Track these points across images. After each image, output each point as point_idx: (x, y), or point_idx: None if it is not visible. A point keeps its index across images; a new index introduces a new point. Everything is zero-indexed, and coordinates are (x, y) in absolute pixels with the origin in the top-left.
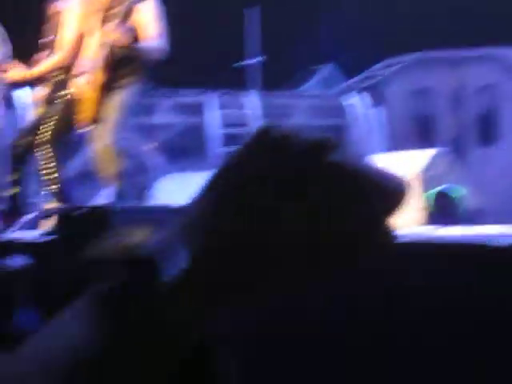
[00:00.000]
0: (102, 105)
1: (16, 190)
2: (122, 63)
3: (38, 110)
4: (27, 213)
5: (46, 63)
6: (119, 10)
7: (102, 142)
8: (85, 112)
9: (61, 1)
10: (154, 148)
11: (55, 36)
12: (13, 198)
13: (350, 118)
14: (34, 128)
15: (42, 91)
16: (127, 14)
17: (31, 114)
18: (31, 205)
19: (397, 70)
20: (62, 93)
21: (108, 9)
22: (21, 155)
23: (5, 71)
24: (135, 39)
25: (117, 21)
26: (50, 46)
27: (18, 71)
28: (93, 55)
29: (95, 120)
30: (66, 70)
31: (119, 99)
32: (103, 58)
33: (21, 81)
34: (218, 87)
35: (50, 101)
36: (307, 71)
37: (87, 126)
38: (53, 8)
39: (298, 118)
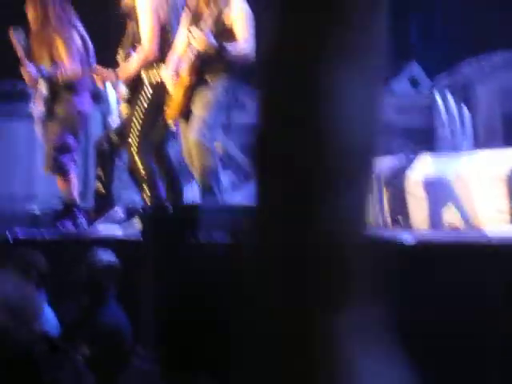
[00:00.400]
0: (191, 101)
1: (102, 186)
2: (211, 62)
3: (125, 106)
4: (113, 209)
5: (131, 62)
6: (208, 10)
7: (190, 139)
8: (173, 108)
9: None
10: (239, 147)
11: (133, 33)
12: (99, 194)
13: (437, 117)
14: (121, 125)
15: (128, 88)
16: (217, 16)
17: (118, 111)
18: (118, 201)
19: (484, 69)
20: (149, 90)
21: (197, 9)
22: (107, 151)
23: (97, 75)
24: (223, 45)
25: (206, 21)
26: (128, 44)
27: (108, 74)
28: (181, 52)
29: (183, 116)
30: (152, 66)
31: (207, 97)
32: (192, 56)
33: (112, 82)
34: None
35: (136, 97)
36: (394, 69)
37: (175, 121)
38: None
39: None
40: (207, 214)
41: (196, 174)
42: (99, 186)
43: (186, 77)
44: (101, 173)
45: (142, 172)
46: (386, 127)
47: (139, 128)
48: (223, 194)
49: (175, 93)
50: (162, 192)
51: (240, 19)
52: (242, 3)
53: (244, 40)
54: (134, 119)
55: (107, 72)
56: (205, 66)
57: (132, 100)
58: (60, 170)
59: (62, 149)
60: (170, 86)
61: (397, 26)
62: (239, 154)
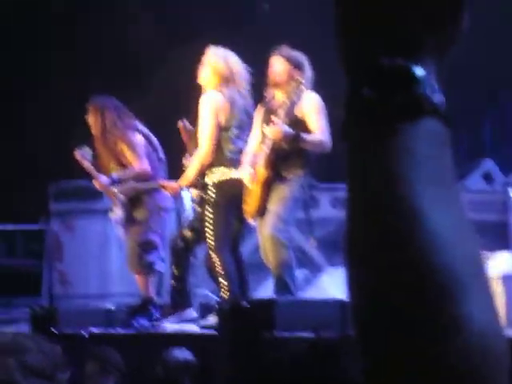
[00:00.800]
0: (266, 197)
1: (177, 284)
2: (286, 157)
3: (199, 205)
4: (190, 305)
5: (189, 169)
6: (282, 104)
7: (265, 233)
8: (251, 204)
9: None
10: (312, 242)
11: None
12: (174, 292)
13: (511, 213)
14: (195, 222)
15: (197, 189)
16: (289, 108)
17: (193, 209)
18: (194, 297)
19: None
20: (213, 190)
21: (270, 105)
22: (182, 250)
23: (164, 189)
24: (299, 133)
25: (280, 115)
26: (193, 146)
27: (172, 187)
28: (256, 149)
29: (261, 212)
30: (212, 167)
31: (283, 191)
32: (267, 151)
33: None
34: None
35: (204, 197)
36: (468, 165)
37: (252, 218)
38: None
39: None
40: (283, 309)
41: (271, 268)
42: (174, 284)
43: (262, 172)
44: (176, 271)
45: (219, 268)
46: None
47: (211, 227)
48: (298, 288)
49: (252, 189)
50: (237, 287)
51: (313, 111)
52: (314, 96)
53: (319, 130)
54: (206, 218)
55: (170, 185)
56: (280, 161)
57: (201, 199)
58: (146, 268)
59: (147, 247)
60: (247, 183)
61: (471, 124)
62: (313, 249)
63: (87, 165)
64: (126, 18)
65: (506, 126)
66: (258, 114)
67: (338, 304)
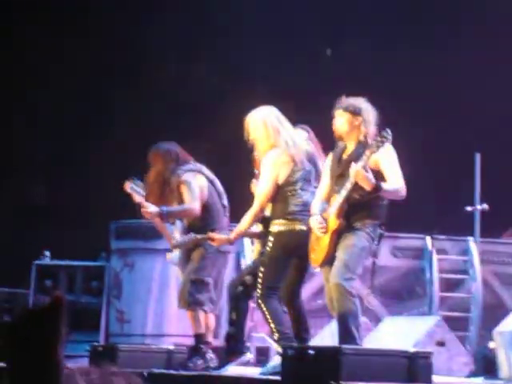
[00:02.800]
0: (335, 246)
1: (235, 330)
2: (358, 206)
3: (257, 252)
4: (245, 351)
5: (243, 220)
6: (357, 154)
7: (332, 282)
8: (319, 253)
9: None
10: (372, 290)
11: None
12: (231, 335)
13: None
14: (254, 265)
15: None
16: (366, 159)
17: (251, 256)
18: (250, 341)
19: None
20: (271, 238)
21: (341, 153)
22: (241, 295)
23: (212, 240)
24: (379, 182)
25: (357, 166)
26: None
27: (223, 240)
28: (325, 197)
29: (329, 260)
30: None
31: (351, 241)
32: (340, 202)
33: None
34: (438, 231)
35: (262, 244)
36: None
37: (320, 266)
38: None
39: None
40: (349, 358)
41: (336, 316)
42: (231, 329)
43: (333, 221)
44: (233, 316)
45: (268, 316)
46: None
47: (261, 275)
48: (361, 338)
49: (322, 238)
50: (291, 333)
51: (388, 160)
52: (389, 148)
53: (395, 179)
54: (261, 266)
55: (219, 238)
56: (352, 210)
57: (260, 245)
58: (195, 305)
59: (199, 285)
60: (316, 232)
61: None
62: (372, 298)
63: (137, 196)
64: (189, 67)
65: None
66: (328, 164)
67: (404, 354)
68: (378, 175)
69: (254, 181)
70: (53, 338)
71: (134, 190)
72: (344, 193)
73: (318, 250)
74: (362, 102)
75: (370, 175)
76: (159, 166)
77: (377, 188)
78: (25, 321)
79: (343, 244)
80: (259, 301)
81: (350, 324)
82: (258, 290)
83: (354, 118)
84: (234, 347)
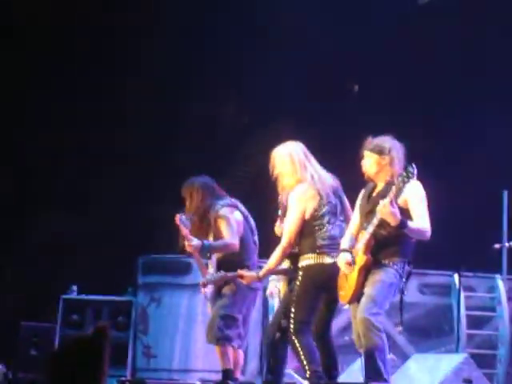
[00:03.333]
0: (363, 282)
1: (273, 374)
2: (385, 243)
3: (283, 291)
4: None
5: (272, 258)
6: (386, 190)
7: (359, 317)
8: (348, 289)
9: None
10: (400, 327)
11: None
12: (267, 382)
13: None
14: (284, 307)
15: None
16: (396, 195)
17: (278, 289)
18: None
19: None
20: (300, 273)
21: (372, 192)
22: (279, 339)
23: (242, 277)
24: (405, 219)
25: (384, 201)
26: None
27: (251, 277)
28: (355, 233)
29: (355, 297)
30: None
31: (379, 276)
32: (367, 238)
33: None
34: (465, 269)
35: (292, 280)
36: None
37: (348, 303)
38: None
39: None
40: None
41: (363, 352)
42: (270, 378)
43: (361, 257)
44: (272, 362)
45: (300, 352)
46: None
47: (293, 310)
48: (389, 374)
49: (350, 274)
50: (321, 371)
51: (416, 199)
52: (417, 184)
53: (421, 218)
54: (292, 301)
55: (249, 275)
56: (379, 246)
57: (290, 282)
58: (223, 340)
59: (228, 321)
60: (343, 268)
61: None
62: (400, 335)
63: (184, 230)
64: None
65: None
66: (359, 201)
67: None
68: (407, 214)
69: (277, 223)
70: (97, 368)
71: (183, 222)
72: (371, 228)
73: (346, 287)
74: (387, 141)
75: (396, 211)
76: (197, 200)
77: (402, 224)
78: (69, 351)
79: (371, 280)
80: (292, 337)
81: (377, 359)
82: (291, 325)
83: (381, 158)
84: None
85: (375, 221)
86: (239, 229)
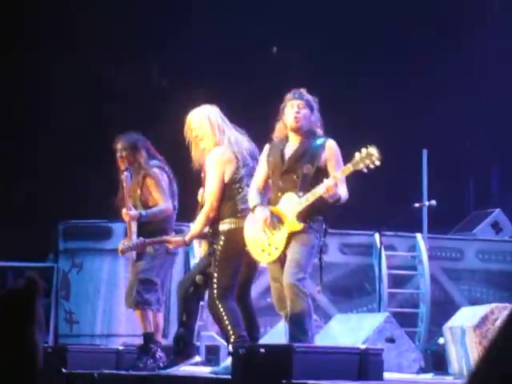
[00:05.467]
0: (283, 245)
1: (185, 331)
2: (312, 207)
3: (206, 246)
4: (194, 353)
5: (196, 223)
6: (306, 152)
7: (285, 282)
8: (273, 253)
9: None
10: (320, 287)
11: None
12: (181, 336)
13: None
14: (203, 265)
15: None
16: (316, 159)
17: (198, 254)
18: (200, 340)
19: None
20: (222, 237)
21: (281, 143)
22: (192, 296)
23: (168, 242)
24: (340, 195)
25: (330, 182)
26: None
27: (177, 241)
28: (261, 188)
29: (281, 259)
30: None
31: (304, 240)
32: (304, 207)
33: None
34: (386, 228)
35: (214, 244)
36: (477, 215)
37: (270, 262)
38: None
39: (467, 261)
40: (301, 356)
41: (288, 315)
42: (181, 331)
43: (295, 222)
44: (184, 318)
45: (224, 317)
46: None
47: (216, 275)
48: (314, 336)
49: (275, 235)
50: (247, 335)
51: (335, 161)
52: (333, 144)
53: (341, 183)
54: (213, 266)
55: (175, 240)
56: (311, 212)
57: (213, 248)
58: (143, 304)
59: (147, 285)
60: (262, 225)
61: (479, 173)
62: (321, 295)
63: (126, 189)
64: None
65: None
66: (265, 155)
67: (355, 351)
68: (326, 174)
69: (200, 191)
70: (28, 320)
71: (128, 181)
72: (311, 198)
73: (267, 246)
74: (315, 101)
75: (338, 192)
76: (133, 154)
77: (337, 201)
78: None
79: (294, 242)
80: (216, 302)
81: (305, 323)
82: (214, 291)
83: (311, 115)
84: (182, 349)
85: (318, 192)
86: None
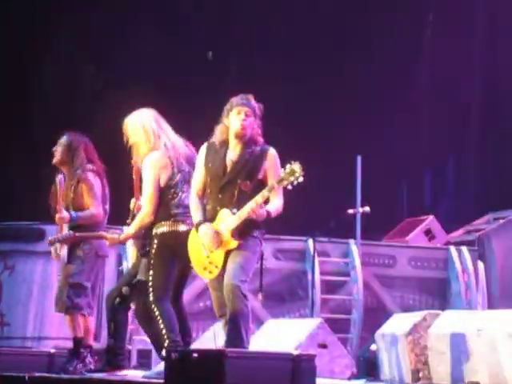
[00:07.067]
0: (222, 262)
1: (113, 339)
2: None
3: (134, 251)
4: (124, 366)
5: (131, 226)
6: (247, 162)
7: (227, 283)
8: (209, 267)
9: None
10: (260, 293)
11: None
12: (110, 347)
13: (452, 272)
14: (131, 275)
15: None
16: (256, 170)
17: (128, 264)
18: (132, 344)
19: (500, 225)
20: (155, 241)
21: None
22: (119, 306)
23: (104, 238)
24: (270, 212)
25: (254, 205)
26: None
27: (113, 239)
28: (200, 194)
29: (220, 275)
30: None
31: (244, 247)
32: (237, 224)
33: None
34: (320, 234)
35: (148, 248)
36: (411, 222)
37: (211, 279)
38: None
39: (400, 268)
40: (234, 361)
41: (225, 318)
42: (111, 342)
43: (230, 240)
44: (113, 328)
45: (159, 321)
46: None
47: (150, 278)
48: (250, 340)
49: (214, 252)
50: (181, 341)
51: (273, 173)
52: (273, 153)
53: (278, 196)
54: (147, 270)
55: (111, 237)
56: (245, 226)
57: (145, 251)
58: (73, 309)
59: (77, 289)
60: (208, 244)
61: (412, 179)
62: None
63: (60, 194)
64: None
65: (446, 182)
66: (202, 157)
67: (287, 357)
68: (262, 186)
69: (133, 199)
70: None
71: (61, 184)
72: (242, 216)
73: (206, 263)
74: (260, 108)
75: (264, 211)
76: (71, 155)
77: (268, 216)
78: None
79: (235, 251)
80: (152, 305)
81: (241, 326)
82: (150, 294)
83: (255, 122)
84: (112, 360)
85: (245, 212)
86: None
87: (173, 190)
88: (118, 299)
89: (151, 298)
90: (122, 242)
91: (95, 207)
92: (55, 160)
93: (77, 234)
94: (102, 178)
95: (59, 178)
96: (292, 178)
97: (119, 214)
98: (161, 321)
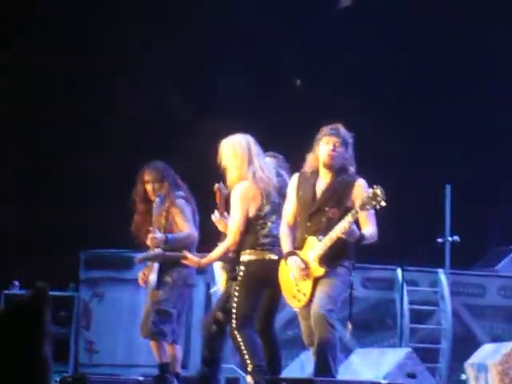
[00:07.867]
0: (310, 291)
1: (209, 366)
2: (336, 247)
3: (225, 285)
4: None
5: (215, 251)
6: (337, 191)
7: (314, 312)
8: (296, 295)
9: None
10: (349, 322)
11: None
12: (205, 374)
13: None
14: (224, 300)
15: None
16: (355, 215)
17: (220, 290)
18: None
19: None
20: (241, 268)
21: (311, 177)
22: (215, 333)
23: (186, 258)
24: (363, 235)
25: (344, 224)
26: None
27: (194, 262)
28: (292, 224)
29: (309, 304)
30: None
31: (333, 276)
32: (323, 250)
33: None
34: (408, 263)
35: (235, 275)
36: (500, 251)
37: (301, 308)
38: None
39: (489, 297)
40: None
41: (314, 347)
42: (206, 370)
43: (317, 268)
44: (209, 356)
45: (242, 347)
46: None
47: (235, 305)
48: (337, 371)
49: (303, 281)
50: (264, 366)
51: (359, 197)
52: (363, 183)
53: (371, 224)
54: (233, 296)
55: (193, 259)
56: (333, 252)
57: (233, 278)
58: (157, 335)
59: (163, 316)
60: (296, 274)
61: (503, 209)
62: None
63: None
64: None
65: None
66: (294, 187)
67: None
68: (348, 212)
69: (215, 212)
70: (37, 333)
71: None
72: (328, 242)
73: (296, 293)
74: (348, 134)
75: (356, 230)
76: (160, 184)
77: (361, 239)
78: (10, 313)
79: (324, 279)
80: (235, 332)
81: (328, 355)
82: (233, 321)
83: (345, 152)
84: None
85: (333, 235)
86: None
87: (262, 220)
88: (214, 326)
89: (233, 326)
90: (202, 266)
91: (189, 228)
92: (153, 197)
93: (167, 254)
94: (191, 204)
95: (156, 200)
96: (374, 202)
97: (207, 241)
98: (243, 347)
